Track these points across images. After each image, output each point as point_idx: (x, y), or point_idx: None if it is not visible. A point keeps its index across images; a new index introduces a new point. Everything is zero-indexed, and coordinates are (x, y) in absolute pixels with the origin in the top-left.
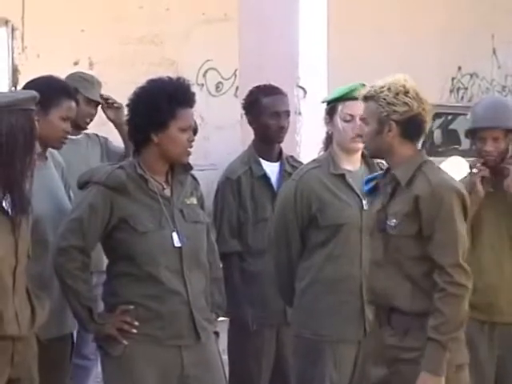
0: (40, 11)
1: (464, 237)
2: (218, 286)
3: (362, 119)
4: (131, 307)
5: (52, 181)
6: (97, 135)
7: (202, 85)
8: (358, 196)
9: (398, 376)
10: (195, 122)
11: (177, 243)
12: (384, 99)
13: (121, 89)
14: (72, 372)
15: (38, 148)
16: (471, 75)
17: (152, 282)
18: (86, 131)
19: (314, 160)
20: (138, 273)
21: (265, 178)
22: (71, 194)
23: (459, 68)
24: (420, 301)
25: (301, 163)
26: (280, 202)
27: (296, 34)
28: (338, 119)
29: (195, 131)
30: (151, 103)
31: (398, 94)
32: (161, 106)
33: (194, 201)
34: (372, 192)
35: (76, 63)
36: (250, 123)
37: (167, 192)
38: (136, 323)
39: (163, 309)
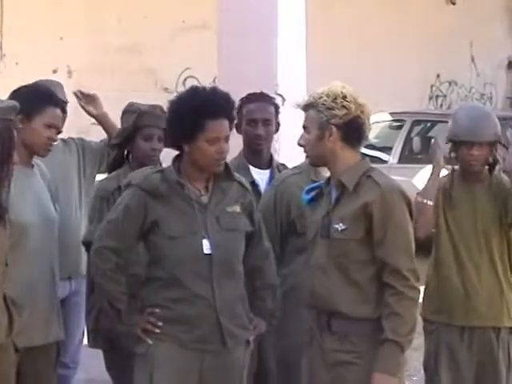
0: (19, 19)
1: (413, 240)
2: (270, 292)
3: (304, 128)
4: (157, 310)
5: (38, 189)
6: (72, 138)
7: None
8: None
9: (338, 379)
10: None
11: (207, 250)
12: (323, 104)
13: (100, 97)
14: None
15: (16, 158)
16: (450, 83)
17: (177, 286)
18: (61, 137)
19: (295, 167)
20: (165, 277)
21: (253, 185)
22: (57, 207)
23: (438, 76)
24: (362, 305)
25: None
26: (261, 207)
27: (274, 41)
28: None
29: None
30: (179, 114)
31: (336, 98)
32: (187, 117)
33: (238, 209)
34: (312, 202)
35: (55, 71)
36: (237, 130)
37: (204, 199)
38: (160, 324)
39: (187, 312)
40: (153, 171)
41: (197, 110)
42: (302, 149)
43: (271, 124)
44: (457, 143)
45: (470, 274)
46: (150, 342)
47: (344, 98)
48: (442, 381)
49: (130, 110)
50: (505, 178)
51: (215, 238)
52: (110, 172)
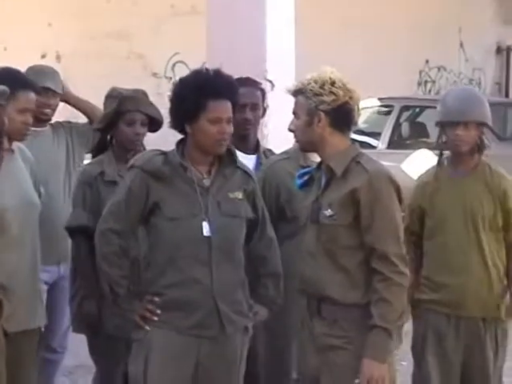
0: (7, 5)
1: (401, 225)
2: (273, 280)
3: (294, 114)
4: (156, 299)
5: (19, 173)
6: (60, 122)
7: (171, 78)
8: None
9: (327, 364)
10: (158, 114)
11: (206, 232)
12: (311, 90)
13: (88, 82)
14: (40, 365)
15: (6, 144)
16: (439, 68)
17: (175, 270)
18: (51, 122)
19: (283, 152)
20: (164, 261)
21: None
22: (41, 190)
23: (427, 61)
24: (351, 291)
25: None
26: None
27: (263, 26)
28: None
29: (159, 123)
30: (182, 95)
31: (324, 84)
32: (189, 97)
33: (240, 195)
34: (305, 186)
35: (43, 56)
36: None
37: (206, 182)
38: (158, 311)
39: (184, 297)
40: (155, 153)
41: (199, 90)
42: (290, 134)
43: (259, 108)
44: (444, 125)
45: (458, 268)
46: (148, 328)
47: (332, 84)
48: (428, 365)
49: (112, 95)
50: (503, 175)
51: (215, 222)
52: (93, 157)
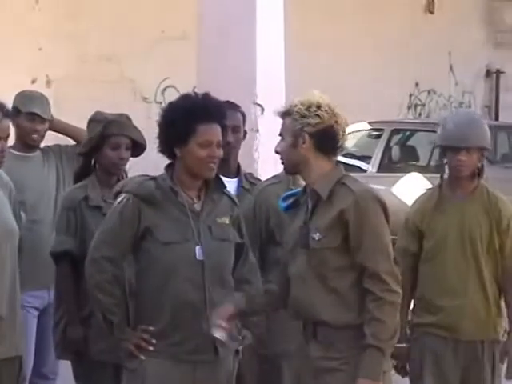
0: None
1: (390, 243)
2: None
3: (280, 136)
4: (151, 328)
5: None
6: (49, 147)
7: (161, 102)
8: None
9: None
10: (142, 138)
11: (199, 256)
12: (297, 112)
13: (79, 106)
14: None
15: None
16: (429, 91)
17: (170, 295)
18: (40, 147)
19: (274, 176)
20: (158, 284)
21: None
22: (22, 214)
23: (417, 84)
24: (344, 313)
25: (259, 180)
26: None
27: (253, 51)
28: None
29: (143, 148)
30: (171, 119)
31: (310, 107)
32: (179, 121)
33: (226, 221)
34: (289, 209)
35: (33, 81)
36: None
37: (197, 207)
38: (153, 341)
39: (181, 323)
40: (146, 178)
41: (188, 114)
42: (279, 158)
43: (239, 131)
44: (445, 148)
45: (455, 291)
46: (143, 357)
47: (318, 107)
48: None
49: (96, 119)
50: (500, 198)
51: (207, 246)
52: (76, 181)
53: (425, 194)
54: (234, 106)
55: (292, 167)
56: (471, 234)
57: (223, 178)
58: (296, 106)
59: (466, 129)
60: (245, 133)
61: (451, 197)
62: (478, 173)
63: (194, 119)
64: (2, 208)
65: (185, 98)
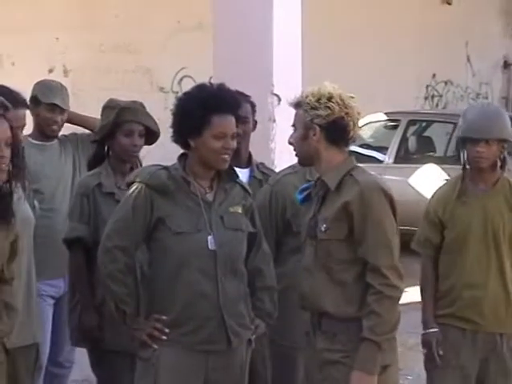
0: (14, 19)
1: (396, 237)
2: (269, 293)
3: (293, 126)
4: (164, 317)
5: None
6: (66, 136)
7: (177, 92)
8: None
9: (329, 379)
10: (155, 126)
11: (211, 246)
12: (308, 104)
13: (95, 96)
14: (47, 380)
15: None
16: (446, 83)
17: (181, 284)
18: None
19: (290, 166)
20: (171, 274)
21: None
22: (35, 203)
23: (434, 75)
24: (347, 305)
25: (271, 170)
26: (257, 207)
27: (270, 41)
28: None
29: (156, 136)
30: (186, 110)
31: (320, 98)
32: (193, 112)
33: (239, 210)
34: (305, 201)
35: (51, 71)
36: None
37: (209, 197)
38: (166, 330)
39: (194, 313)
40: (158, 168)
41: (203, 105)
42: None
43: (248, 122)
44: (464, 140)
45: (476, 283)
46: (156, 347)
47: (329, 98)
48: (443, 378)
49: (109, 106)
50: None
51: (220, 236)
52: (90, 168)
53: (446, 184)
54: (242, 97)
55: (304, 159)
56: (493, 226)
57: (235, 168)
58: (307, 97)
59: (485, 120)
60: (255, 123)
61: (473, 189)
62: (501, 165)
63: (209, 110)
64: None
65: (200, 88)
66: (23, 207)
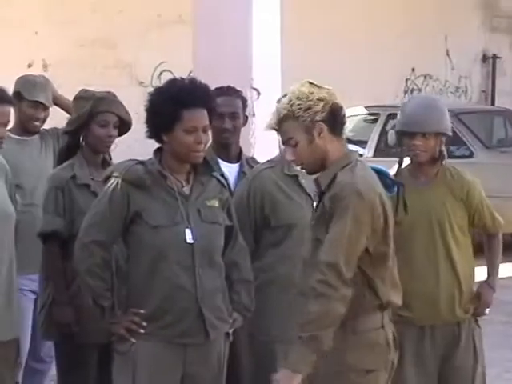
0: None
1: (354, 240)
2: (246, 287)
3: (286, 142)
4: (142, 311)
5: None
6: (46, 130)
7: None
8: (310, 197)
9: (313, 376)
10: (128, 117)
11: (189, 240)
12: (299, 109)
13: (75, 91)
14: (27, 375)
15: None
16: (425, 76)
17: (161, 278)
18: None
19: (268, 160)
20: (148, 267)
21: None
22: (17, 197)
23: (413, 69)
24: None
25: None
26: (235, 201)
27: (249, 35)
28: None
29: (128, 127)
30: (156, 105)
31: (307, 97)
32: (164, 108)
33: (216, 203)
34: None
35: (30, 65)
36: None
37: (186, 190)
38: (144, 324)
39: (171, 306)
40: (134, 163)
41: (174, 100)
42: (276, 142)
43: (238, 117)
44: (403, 134)
45: (426, 278)
46: (134, 340)
47: (311, 93)
48: (406, 376)
49: (83, 97)
50: (464, 176)
51: (197, 229)
52: (60, 160)
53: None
54: (233, 92)
55: (314, 165)
56: (438, 218)
57: (224, 163)
58: (293, 105)
59: (422, 114)
60: (246, 118)
61: (414, 183)
62: (439, 158)
63: (179, 105)
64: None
65: (171, 83)
66: (2, 200)
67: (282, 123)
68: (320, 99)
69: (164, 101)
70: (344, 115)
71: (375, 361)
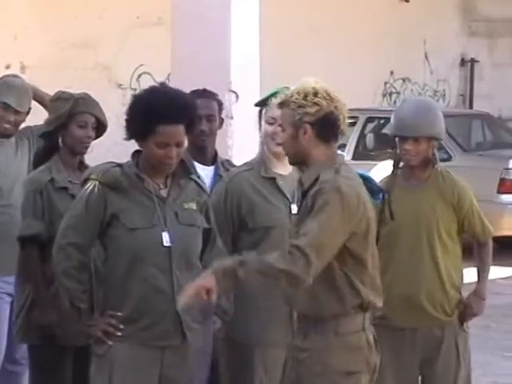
0: None
1: (330, 233)
2: None
3: (280, 126)
4: (119, 313)
5: None
6: (20, 131)
7: (136, 89)
8: (288, 200)
9: (292, 379)
10: (105, 119)
11: (166, 243)
12: (295, 103)
13: (53, 93)
14: (2, 377)
15: None
16: (403, 80)
17: (138, 280)
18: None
19: (246, 163)
20: (126, 270)
21: None
22: None
23: (391, 72)
24: (310, 305)
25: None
26: (212, 204)
27: (228, 38)
28: (263, 122)
29: (104, 128)
30: (133, 115)
31: (306, 95)
32: (139, 118)
33: (194, 206)
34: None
35: (7, 67)
36: None
37: (163, 192)
38: (121, 326)
39: (149, 309)
40: (112, 165)
41: (149, 114)
42: (254, 145)
43: (215, 120)
44: (394, 138)
45: (411, 276)
46: (111, 343)
47: (315, 94)
48: (385, 379)
49: (61, 98)
50: (456, 181)
51: (174, 232)
52: (36, 162)
53: (380, 182)
54: (209, 95)
55: (295, 158)
56: (426, 221)
57: (200, 166)
58: (292, 96)
59: (414, 118)
60: (222, 121)
61: (405, 185)
62: (431, 162)
63: (155, 119)
64: None
65: (151, 93)
66: None
67: (281, 106)
68: (315, 103)
69: (140, 112)
70: (338, 126)
71: (357, 363)
